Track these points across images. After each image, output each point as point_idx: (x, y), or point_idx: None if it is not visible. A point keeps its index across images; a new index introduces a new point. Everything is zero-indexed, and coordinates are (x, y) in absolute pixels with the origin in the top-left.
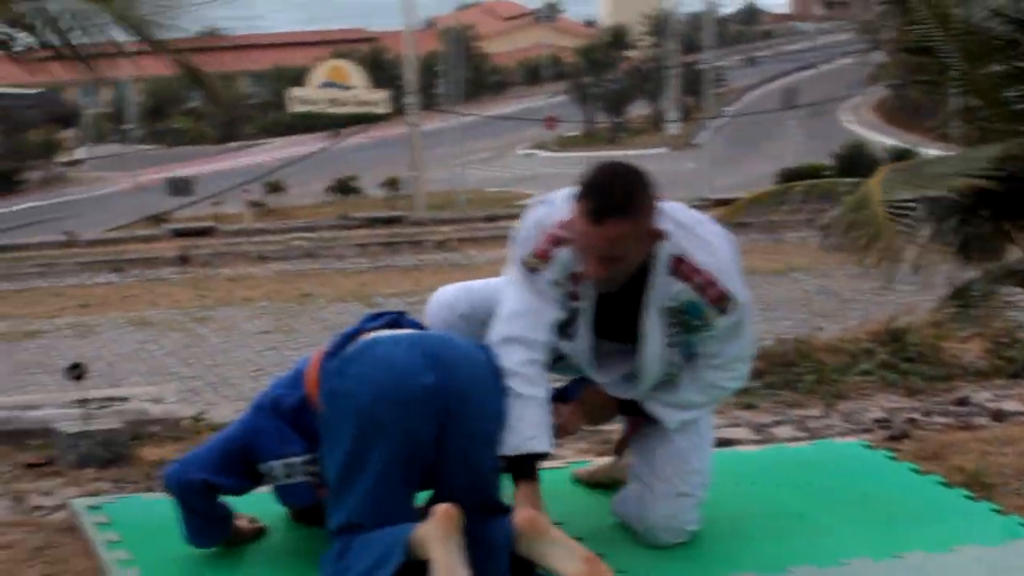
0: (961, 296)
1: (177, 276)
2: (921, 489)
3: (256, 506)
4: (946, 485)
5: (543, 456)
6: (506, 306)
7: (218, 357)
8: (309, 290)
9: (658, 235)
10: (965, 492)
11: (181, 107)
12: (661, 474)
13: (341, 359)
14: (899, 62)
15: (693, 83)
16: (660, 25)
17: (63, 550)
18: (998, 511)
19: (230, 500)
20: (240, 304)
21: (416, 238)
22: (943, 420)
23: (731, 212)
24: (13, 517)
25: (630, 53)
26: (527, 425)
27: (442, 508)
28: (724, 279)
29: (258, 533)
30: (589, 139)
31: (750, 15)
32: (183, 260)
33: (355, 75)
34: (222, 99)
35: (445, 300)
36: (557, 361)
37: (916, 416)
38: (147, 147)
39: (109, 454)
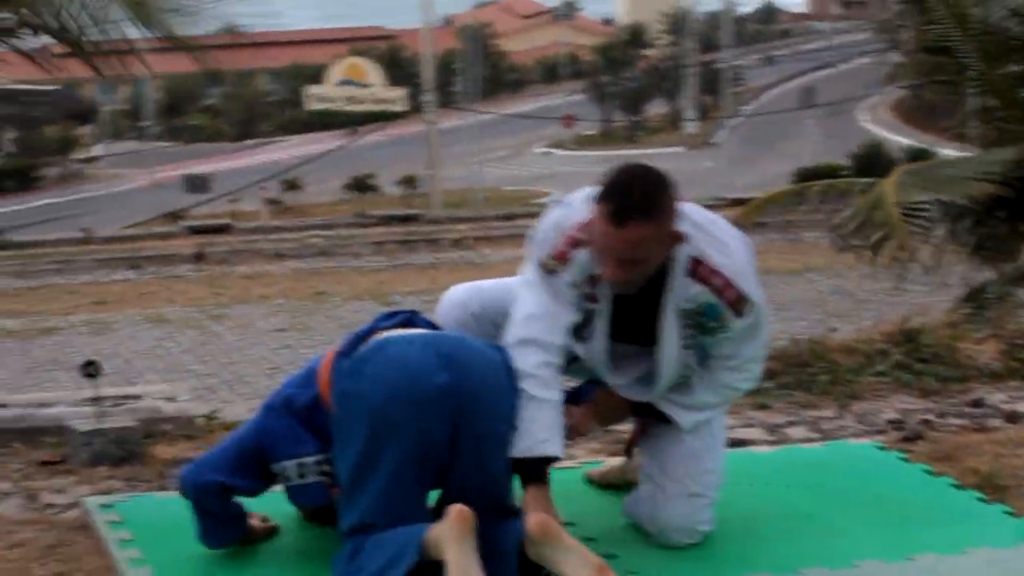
0: (976, 297)
1: (193, 273)
2: (934, 491)
3: (267, 505)
4: (959, 487)
5: (554, 460)
6: (522, 308)
7: (234, 355)
8: (325, 288)
9: (679, 238)
10: (978, 494)
11: (198, 104)
12: (673, 475)
13: (354, 359)
14: (917, 62)
15: (711, 82)
16: (678, 24)
17: (75, 548)
18: (1011, 513)
19: (242, 500)
20: (256, 302)
21: (432, 236)
22: (957, 422)
23: (748, 212)
24: (26, 515)
25: (648, 52)
26: (539, 428)
27: (456, 509)
28: (740, 281)
29: (270, 532)
30: (606, 138)
31: (768, 14)
32: (199, 257)
33: (373, 73)
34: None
35: (457, 299)
36: (570, 363)
37: (930, 417)
38: (164, 144)
39: (122, 452)
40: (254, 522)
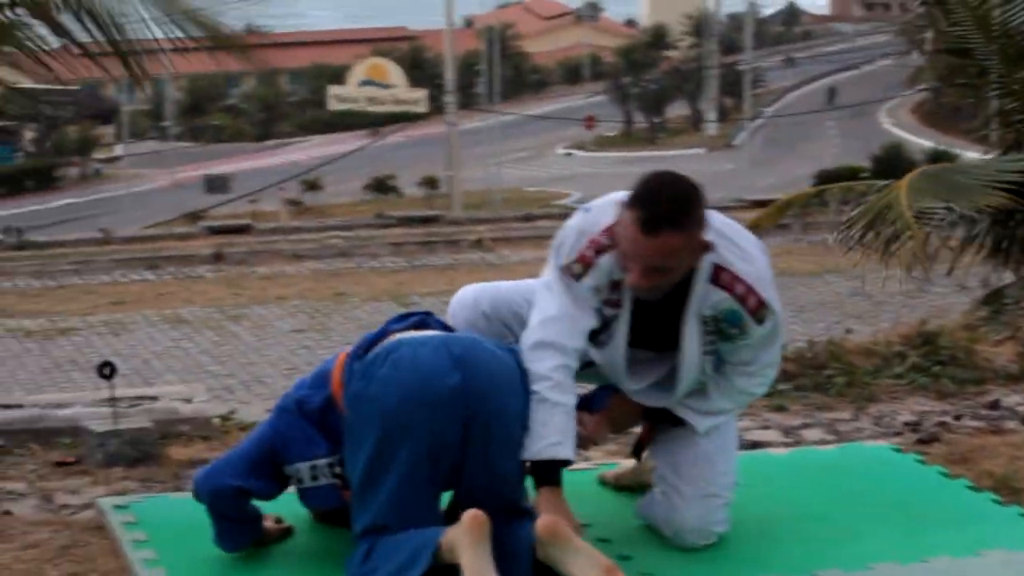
0: (994, 300)
1: (212, 274)
2: (949, 493)
3: (280, 507)
4: (975, 489)
5: (566, 463)
6: (541, 311)
7: (251, 355)
8: (343, 289)
9: (706, 247)
10: (994, 496)
11: (219, 104)
12: (688, 476)
13: (366, 361)
14: (938, 64)
15: (732, 84)
16: (700, 25)
17: (90, 549)
18: None
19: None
20: (274, 302)
21: (452, 237)
22: (974, 424)
23: (769, 214)
24: (40, 515)
25: (670, 53)
26: (552, 431)
27: (471, 514)
28: (761, 288)
29: (285, 533)
30: (627, 139)
31: (790, 16)
32: (217, 258)
33: (394, 73)
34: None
35: (467, 299)
36: (584, 368)
37: (947, 419)
38: (185, 144)
39: (137, 453)
40: (268, 524)
